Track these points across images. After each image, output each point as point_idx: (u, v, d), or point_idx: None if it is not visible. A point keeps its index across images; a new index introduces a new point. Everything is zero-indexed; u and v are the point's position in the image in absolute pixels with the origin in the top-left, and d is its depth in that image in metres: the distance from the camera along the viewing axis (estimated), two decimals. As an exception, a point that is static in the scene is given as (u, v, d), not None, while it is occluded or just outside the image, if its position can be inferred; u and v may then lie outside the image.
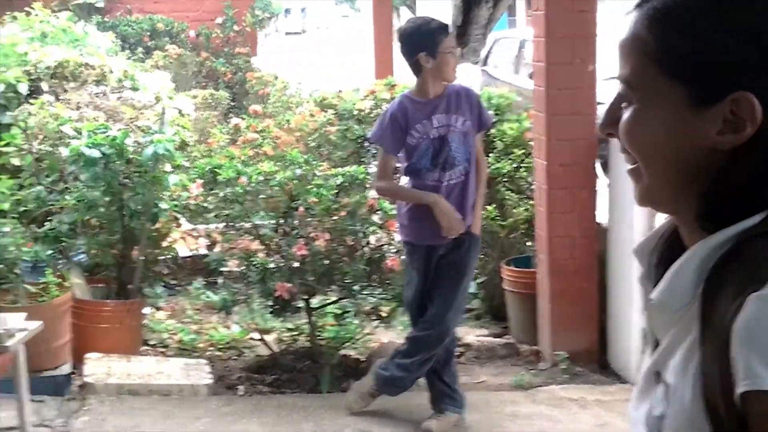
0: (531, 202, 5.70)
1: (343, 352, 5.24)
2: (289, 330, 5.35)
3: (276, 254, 5.01)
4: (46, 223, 5.30)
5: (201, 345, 5.43)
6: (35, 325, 3.00)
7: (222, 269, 5.20)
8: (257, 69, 12.28)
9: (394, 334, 5.44)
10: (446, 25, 4.34)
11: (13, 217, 5.05)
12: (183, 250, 5.75)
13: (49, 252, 5.09)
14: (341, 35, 31.74)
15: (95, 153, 5.03)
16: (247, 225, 5.12)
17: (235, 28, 12.94)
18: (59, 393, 4.55)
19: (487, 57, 12.83)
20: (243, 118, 7.48)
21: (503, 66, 13.00)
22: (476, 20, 10.04)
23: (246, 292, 5.10)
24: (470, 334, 5.66)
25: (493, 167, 5.82)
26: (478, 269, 4.54)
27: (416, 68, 4.21)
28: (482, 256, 4.59)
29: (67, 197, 5.29)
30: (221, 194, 5.14)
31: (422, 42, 4.15)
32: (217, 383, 4.83)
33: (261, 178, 5.06)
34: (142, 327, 5.32)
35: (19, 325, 2.92)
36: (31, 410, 3.43)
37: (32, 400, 4.12)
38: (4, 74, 6.62)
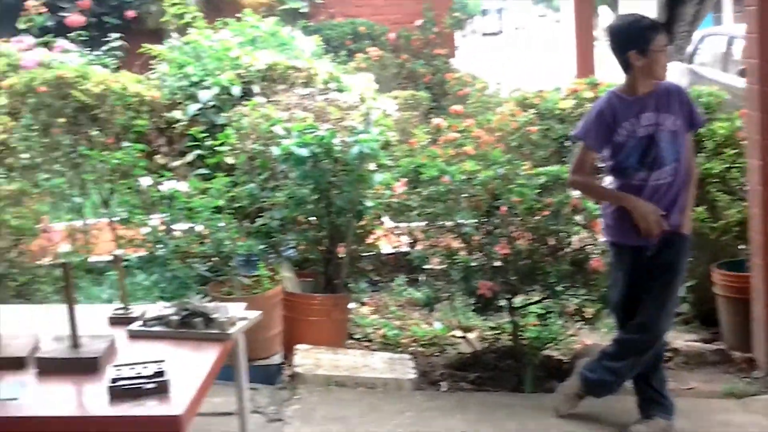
0: (744, 203, 5.48)
1: (545, 352, 5.21)
2: (492, 328, 5.37)
3: (478, 253, 5.04)
4: (258, 219, 5.54)
5: (404, 340, 5.53)
6: (254, 314, 3.15)
7: (424, 267, 5.28)
8: (456, 70, 12.38)
9: (598, 336, 5.36)
10: (658, 23, 4.24)
11: (228, 213, 5.31)
12: (386, 247, 5.89)
13: (261, 246, 5.31)
14: (539, 35, 31.46)
15: (304, 152, 5.21)
16: (449, 223, 5.17)
17: (434, 29, 13.10)
18: (271, 382, 4.75)
19: (693, 54, 12.43)
20: (444, 118, 7.57)
21: (710, 63, 12.57)
22: (682, 17, 9.74)
23: (448, 289, 5.15)
24: (679, 339, 5.49)
25: (703, 167, 5.64)
26: (686, 272, 4.41)
27: (625, 66, 4.13)
28: (691, 259, 4.46)
29: (277, 194, 5.51)
30: (424, 193, 5.22)
31: (633, 39, 4.07)
32: (420, 378, 4.90)
33: (463, 177, 5.10)
34: (348, 321, 5.48)
35: (240, 314, 3.06)
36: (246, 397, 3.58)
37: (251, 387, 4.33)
38: (219, 77, 6.98)
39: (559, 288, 4.95)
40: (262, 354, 4.77)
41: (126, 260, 5.75)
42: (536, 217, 4.95)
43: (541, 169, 5.20)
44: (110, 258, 6.02)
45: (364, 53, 11.98)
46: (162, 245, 5.19)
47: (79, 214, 6.18)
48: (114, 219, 5.54)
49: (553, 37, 26.99)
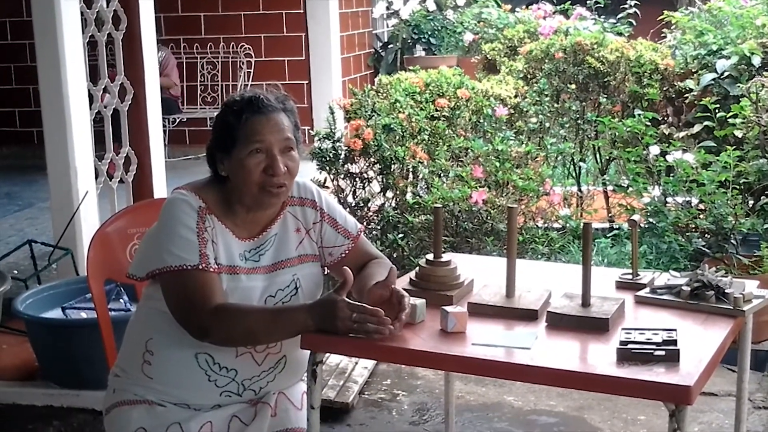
0: None
1: None
2: None
3: None
4: (762, 197, 5.45)
5: None
6: (768, 293, 3.02)
7: None
8: None
9: None
10: None
11: (734, 188, 5.30)
12: None
13: (765, 226, 5.24)
14: None
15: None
16: None
17: None
18: (758, 368, 4.71)
19: None
20: None
21: None
22: None
23: None
24: None
25: None
26: None
27: None
28: None
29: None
30: None
31: None
32: None
33: None
34: None
35: (755, 292, 3.00)
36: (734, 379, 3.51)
37: (728, 368, 4.36)
38: (739, 46, 6.88)
39: None
40: (752, 338, 4.73)
41: (617, 228, 6.03)
42: None
43: None
44: (603, 225, 6.35)
45: None
46: (659, 216, 5.35)
47: (578, 179, 6.54)
48: (609, 187, 5.79)
49: None
